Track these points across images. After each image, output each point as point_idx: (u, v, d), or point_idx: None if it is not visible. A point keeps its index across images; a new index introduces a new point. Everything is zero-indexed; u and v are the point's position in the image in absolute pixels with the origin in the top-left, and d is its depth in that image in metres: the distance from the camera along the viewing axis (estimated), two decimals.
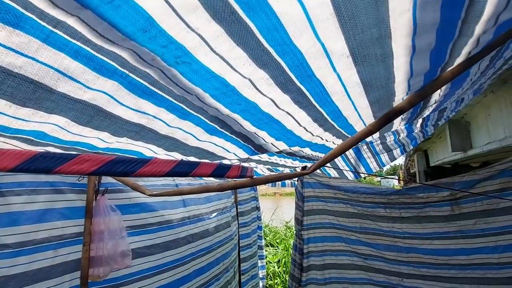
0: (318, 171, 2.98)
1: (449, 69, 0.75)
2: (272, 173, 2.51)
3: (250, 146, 1.15)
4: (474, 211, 2.02)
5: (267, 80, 0.73)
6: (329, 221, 2.70)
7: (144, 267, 1.84)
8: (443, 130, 5.82)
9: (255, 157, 1.55)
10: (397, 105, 0.87)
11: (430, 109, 1.47)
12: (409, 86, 0.84)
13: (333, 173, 3.17)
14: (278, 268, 5.96)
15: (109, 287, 1.65)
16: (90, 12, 0.46)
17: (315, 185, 2.74)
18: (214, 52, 0.60)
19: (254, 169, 2.33)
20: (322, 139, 1.28)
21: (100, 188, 1.65)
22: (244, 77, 0.70)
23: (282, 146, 1.23)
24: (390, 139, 2.87)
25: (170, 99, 0.76)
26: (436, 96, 1.12)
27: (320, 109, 0.94)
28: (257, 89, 0.76)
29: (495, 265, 1.96)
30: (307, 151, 1.58)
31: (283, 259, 6.16)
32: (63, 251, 1.46)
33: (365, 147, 2.71)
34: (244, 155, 1.26)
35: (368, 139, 2.40)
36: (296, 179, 2.84)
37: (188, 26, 0.53)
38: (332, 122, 1.08)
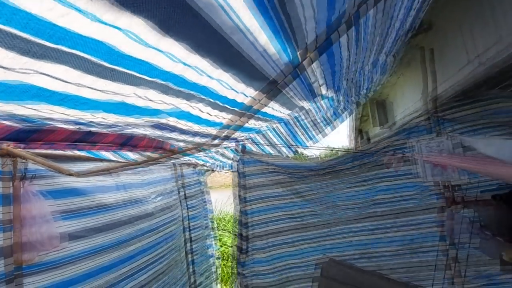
0: (254, 149, 3.22)
1: (307, 56, 0.99)
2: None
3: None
4: (369, 162, 2.83)
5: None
6: (267, 193, 3.00)
7: (83, 249, 1.89)
8: (375, 111, 6.51)
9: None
10: (272, 78, 1.10)
11: (323, 87, 1.74)
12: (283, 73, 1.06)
13: (269, 150, 3.44)
14: None
15: (46, 269, 1.68)
16: None
17: (253, 162, 2.99)
18: None
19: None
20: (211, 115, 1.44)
21: (26, 175, 1.65)
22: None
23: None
24: (319, 115, 3.22)
25: None
26: (313, 75, 1.37)
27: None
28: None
29: (388, 201, 2.79)
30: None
31: None
32: None
33: (292, 122, 3.01)
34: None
35: (296, 114, 2.67)
36: (232, 160, 3.06)
37: None
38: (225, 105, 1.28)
